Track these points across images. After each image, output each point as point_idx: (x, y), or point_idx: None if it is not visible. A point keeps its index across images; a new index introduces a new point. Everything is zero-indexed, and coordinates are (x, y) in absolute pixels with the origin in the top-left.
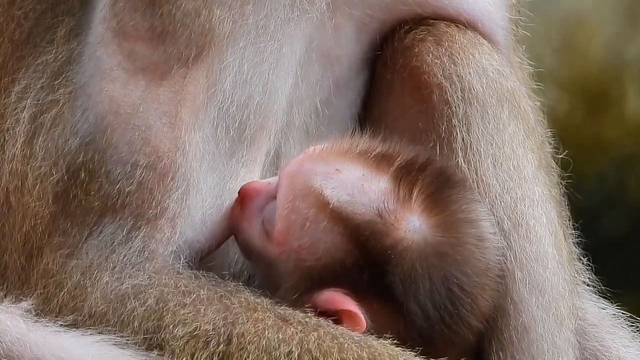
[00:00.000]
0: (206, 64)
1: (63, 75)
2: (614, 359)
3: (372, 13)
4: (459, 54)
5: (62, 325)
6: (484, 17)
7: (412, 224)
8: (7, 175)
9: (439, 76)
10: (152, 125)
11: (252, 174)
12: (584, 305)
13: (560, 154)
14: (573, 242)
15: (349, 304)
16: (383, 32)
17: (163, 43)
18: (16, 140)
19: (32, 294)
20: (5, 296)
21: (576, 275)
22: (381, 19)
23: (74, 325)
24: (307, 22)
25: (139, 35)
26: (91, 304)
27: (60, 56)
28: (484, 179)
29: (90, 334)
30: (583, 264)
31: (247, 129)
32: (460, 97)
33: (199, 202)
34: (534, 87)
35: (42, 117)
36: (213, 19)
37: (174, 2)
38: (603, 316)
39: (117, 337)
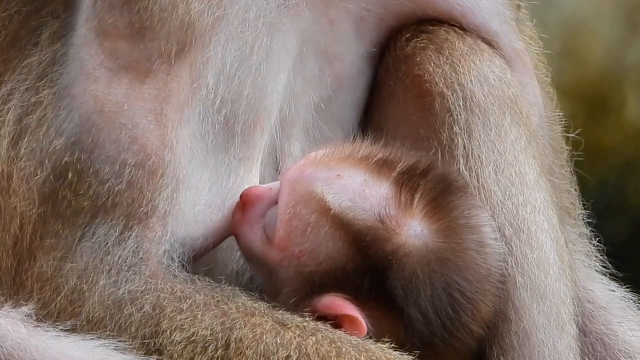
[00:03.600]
0: (189, 59)
1: (47, 77)
2: (620, 343)
3: (368, 7)
4: (460, 61)
5: (62, 330)
6: (491, 20)
7: (414, 230)
8: None
9: (441, 85)
10: (138, 123)
11: (250, 173)
12: (593, 287)
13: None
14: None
15: (349, 309)
16: (382, 30)
17: (142, 39)
18: (1, 142)
19: (29, 299)
20: (5, 301)
21: (586, 257)
22: (378, 14)
23: (73, 330)
24: (295, 15)
25: (119, 33)
26: (89, 309)
27: (44, 58)
28: (485, 185)
29: (91, 339)
30: (595, 247)
31: (237, 123)
32: (461, 105)
33: (189, 198)
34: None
35: (27, 118)
36: (192, 13)
37: None
38: (612, 299)
39: (118, 341)
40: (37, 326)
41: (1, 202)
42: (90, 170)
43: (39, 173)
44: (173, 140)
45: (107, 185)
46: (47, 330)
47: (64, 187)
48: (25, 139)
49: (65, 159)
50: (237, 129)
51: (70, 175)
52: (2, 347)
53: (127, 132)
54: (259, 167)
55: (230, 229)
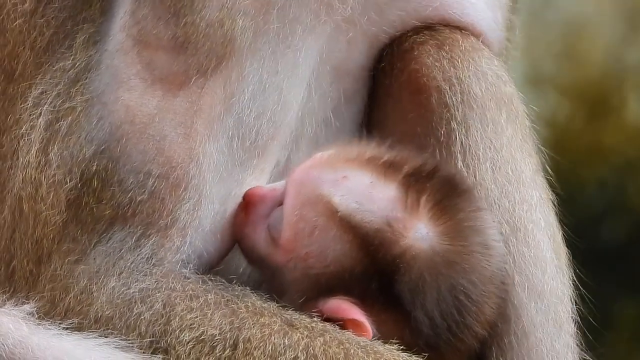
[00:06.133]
0: (225, 74)
1: (80, 83)
2: None
3: (387, 29)
4: (459, 57)
5: (65, 328)
6: (489, 31)
7: (420, 232)
8: (21, 182)
9: (439, 79)
10: (167, 135)
11: (259, 181)
12: None
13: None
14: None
15: (355, 313)
16: (388, 43)
17: (184, 53)
18: (31, 147)
19: (38, 298)
20: (8, 299)
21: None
22: (392, 34)
23: (79, 329)
24: (318, 34)
25: (160, 44)
26: (97, 308)
27: (78, 63)
28: (482, 183)
29: (94, 337)
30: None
31: (259, 139)
32: (459, 100)
33: (210, 212)
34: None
35: (58, 124)
36: (235, 29)
37: (199, 11)
38: None
39: (121, 340)
40: (40, 324)
41: (27, 209)
42: (115, 178)
43: (68, 181)
44: (200, 154)
45: (129, 195)
46: (49, 329)
47: (88, 195)
48: (56, 145)
49: (93, 167)
50: (258, 142)
51: (95, 183)
52: (4, 345)
53: (154, 144)
54: (268, 178)
55: (233, 232)
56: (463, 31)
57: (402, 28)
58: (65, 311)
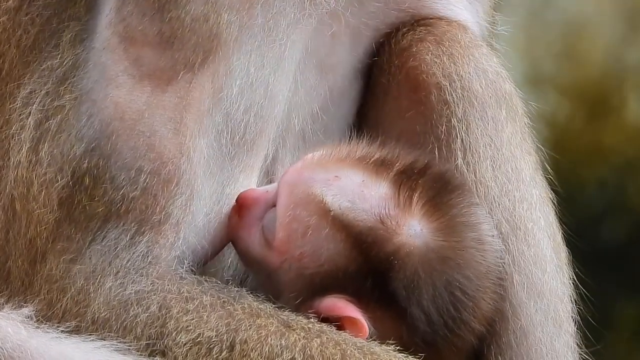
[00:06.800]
0: (212, 69)
1: (68, 81)
2: None
3: (367, 21)
4: (459, 53)
5: (63, 331)
6: (470, 24)
7: (414, 229)
8: (12, 182)
9: (438, 75)
10: (157, 131)
11: (250, 179)
12: None
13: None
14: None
15: (351, 311)
16: (376, 39)
17: (170, 48)
18: (21, 147)
19: (36, 300)
20: (6, 302)
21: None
22: (375, 26)
23: (76, 331)
24: (303, 27)
25: (146, 40)
26: (94, 309)
27: (65, 61)
28: (482, 181)
29: (92, 340)
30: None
31: (247, 133)
32: (460, 96)
33: (202, 207)
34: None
35: (48, 123)
36: (221, 24)
37: (184, 6)
38: None
39: (119, 343)
40: (38, 328)
41: (19, 208)
42: (107, 176)
43: (59, 180)
44: (190, 150)
45: (122, 192)
46: (48, 332)
47: (80, 192)
48: (46, 144)
49: (84, 164)
50: (246, 137)
51: (87, 180)
52: (2, 348)
53: (145, 140)
54: (258, 174)
55: (227, 234)
56: (460, 23)
57: (384, 20)
58: (63, 313)
